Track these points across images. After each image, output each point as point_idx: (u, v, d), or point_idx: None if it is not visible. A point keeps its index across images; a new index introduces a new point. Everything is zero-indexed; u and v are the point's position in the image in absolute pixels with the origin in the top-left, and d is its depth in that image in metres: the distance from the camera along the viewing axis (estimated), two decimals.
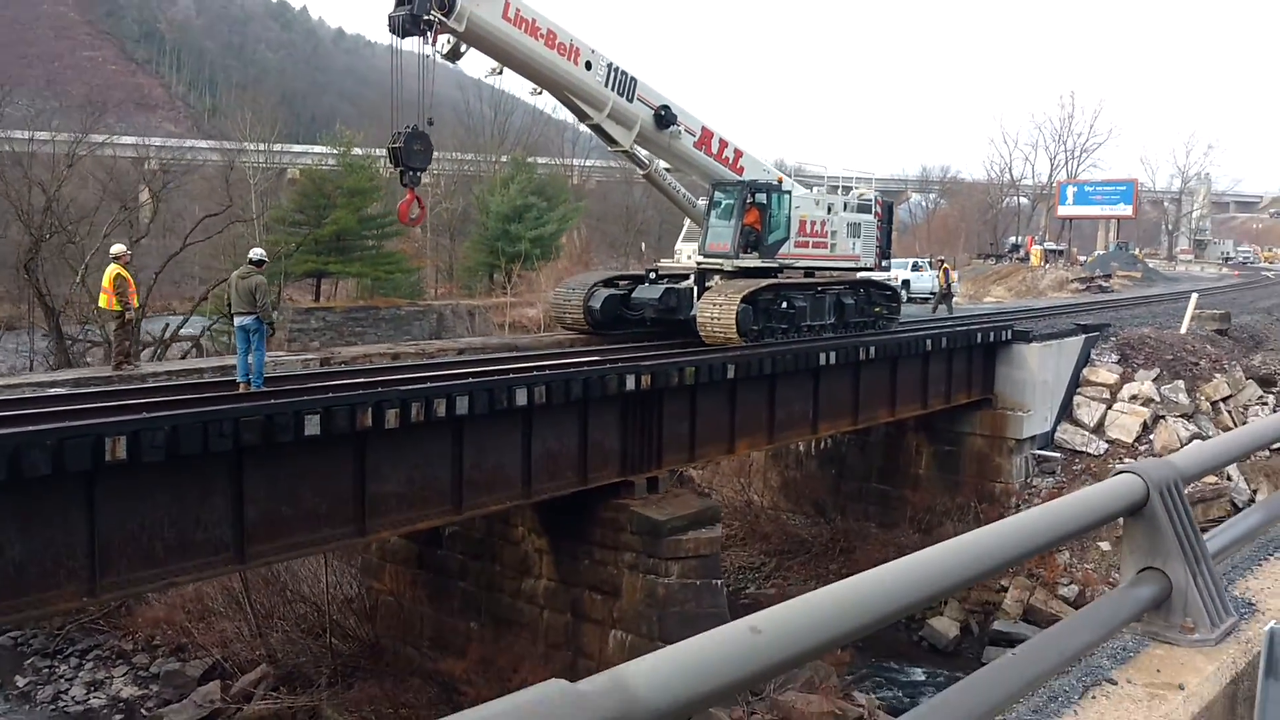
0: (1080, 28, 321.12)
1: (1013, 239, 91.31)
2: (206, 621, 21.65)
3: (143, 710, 20.07)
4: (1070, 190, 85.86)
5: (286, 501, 12.57)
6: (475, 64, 21.18)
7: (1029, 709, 3.19)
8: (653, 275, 24.93)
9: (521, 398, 14.62)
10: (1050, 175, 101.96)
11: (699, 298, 22.25)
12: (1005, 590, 24.19)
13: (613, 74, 21.41)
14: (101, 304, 15.93)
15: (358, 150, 52.84)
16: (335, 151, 53.86)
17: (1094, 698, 3.31)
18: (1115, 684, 3.38)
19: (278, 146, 54.24)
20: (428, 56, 19.26)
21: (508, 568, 18.34)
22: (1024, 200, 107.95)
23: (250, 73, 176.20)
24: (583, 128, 24.17)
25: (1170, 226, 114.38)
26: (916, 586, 2.58)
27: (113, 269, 15.11)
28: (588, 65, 21.03)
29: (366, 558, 20.58)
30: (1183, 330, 30.18)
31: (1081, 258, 79.87)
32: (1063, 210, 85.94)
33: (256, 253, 13.90)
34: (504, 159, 71.17)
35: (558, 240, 67.07)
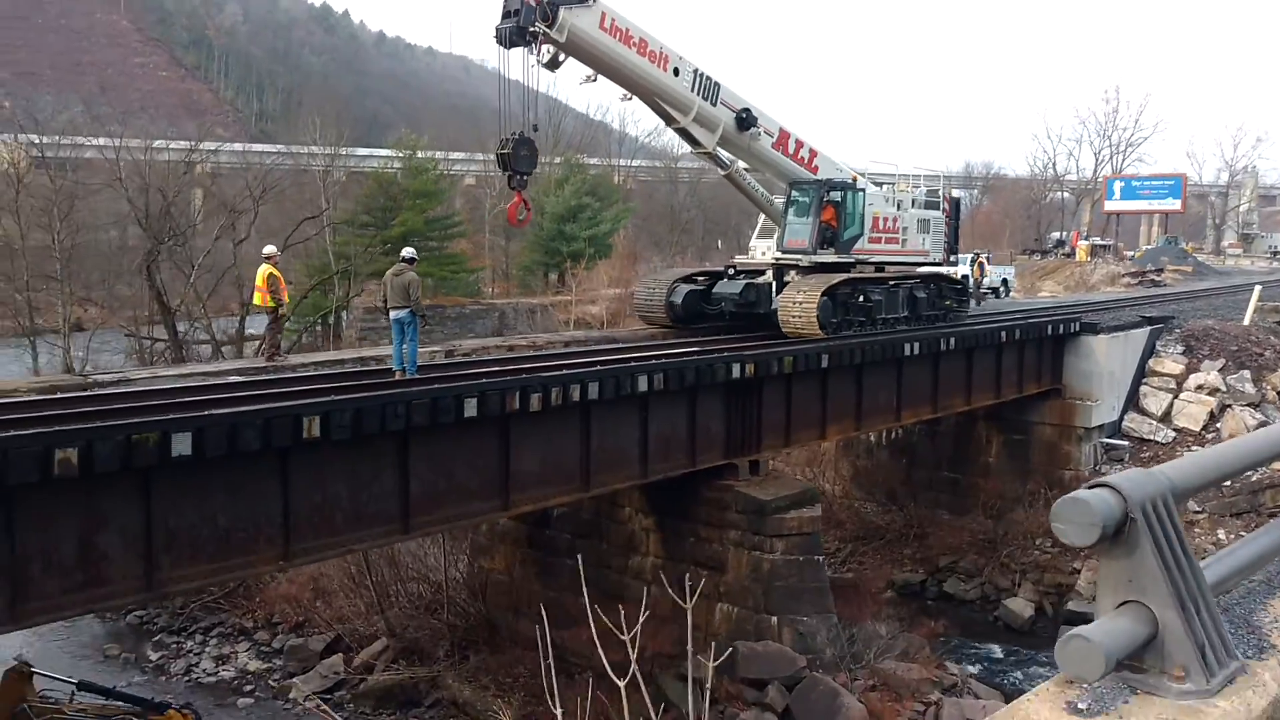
0: (1125, 21, 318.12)
1: (1056, 234, 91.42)
2: (324, 600, 23.05)
3: (270, 681, 21.47)
4: (1118, 185, 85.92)
5: (444, 477, 13.84)
6: (569, 72, 22.41)
7: None
8: (731, 271, 25.94)
9: (642, 384, 15.81)
10: (1095, 170, 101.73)
11: (778, 292, 23.28)
12: (1078, 573, 25.08)
13: (698, 79, 22.47)
14: (256, 301, 17.29)
15: (422, 153, 54.45)
16: (400, 154, 55.49)
17: None
18: None
19: (344, 150, 55.73)
20: (532, 66, 20.40)
21: (615, 546, 19.53)
22: (1067, 195, 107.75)
23: (295, 77, 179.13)
24: (668, 132, 25.23)
25: (1217, 220, 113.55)
26: None
27: (265, 268, 16.48)
28: (675, 71, 22.09)
29: (476, 538, 21.83)
30: (1245, 322, 30.89)
31: (1129, 253, 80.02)
32: (1110, 205, 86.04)
33: (408, 251, 15.19)
34: (557, 160, 72.51)
35: (610, 239, 68.28)
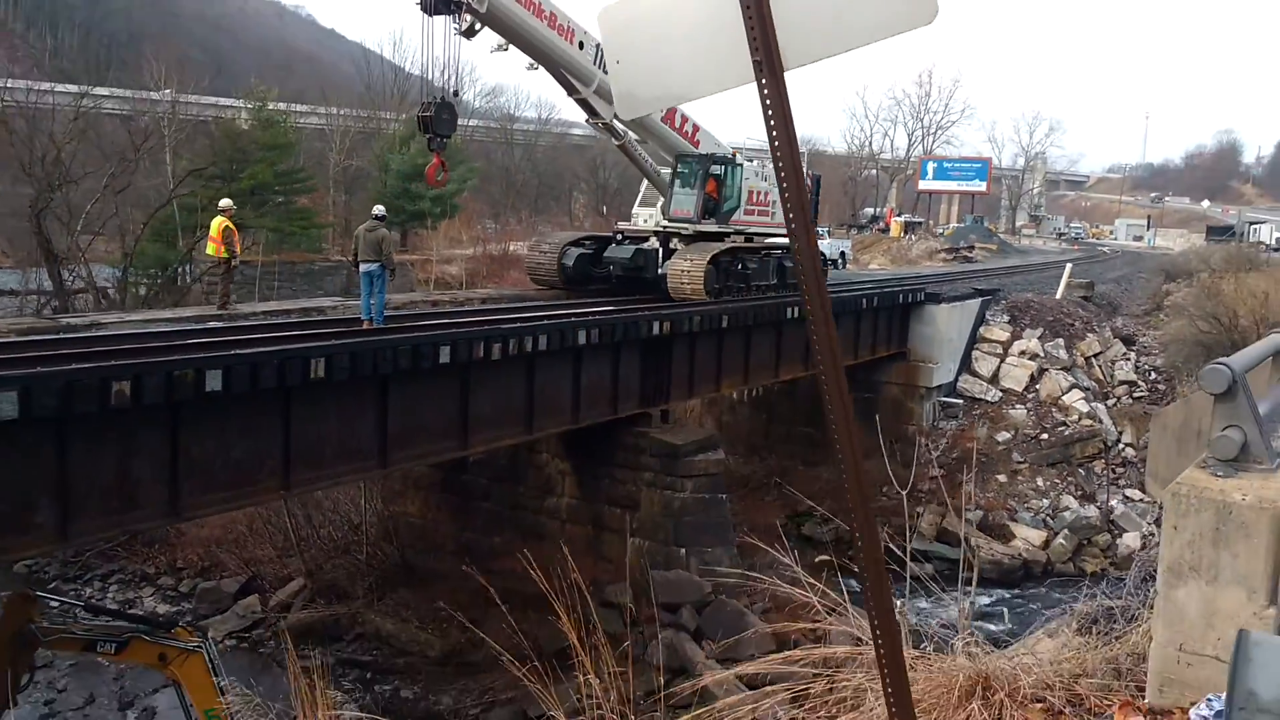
0: (942, 6, 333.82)
1: (870, 210, 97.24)
2: (231, 546, 23.64)
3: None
4: (930, 166, 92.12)
5: (415, 418, 15.13)
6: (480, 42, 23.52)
7: None
8: (619, 237, 27.70)
9: (581, 338, 17.46)
10: (908, 150, 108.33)
11: (664, 259, 25.22)
12: (920, 515, 28.23)
13: (600, 53, 24.00)
14: (210, 251, 17.92)
15: (274, 105, 53.50)
16: (250, 105, 54.32)
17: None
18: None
19: (187, 98, 54.12)
20: (455, 34, 21.48)
21: (531, 488, 21.13)
22: (881, 173, 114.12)
23: (95, 14, 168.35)
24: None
25: (1013, 202, 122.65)
26: None
27: (220, 220, 17.17)
28: (580, 45, 23.58)
29: (388, 485, 22.94)
30: (1058, 296, 34.92)
31: (937, 229, 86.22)
32: (923, 185, 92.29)
33: (379, 209, 16.23)
34: (402, 118, 72.02)
35: (456, 199, 68.45)
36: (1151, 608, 4.40)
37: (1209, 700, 3.56)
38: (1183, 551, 3.83)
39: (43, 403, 10.21)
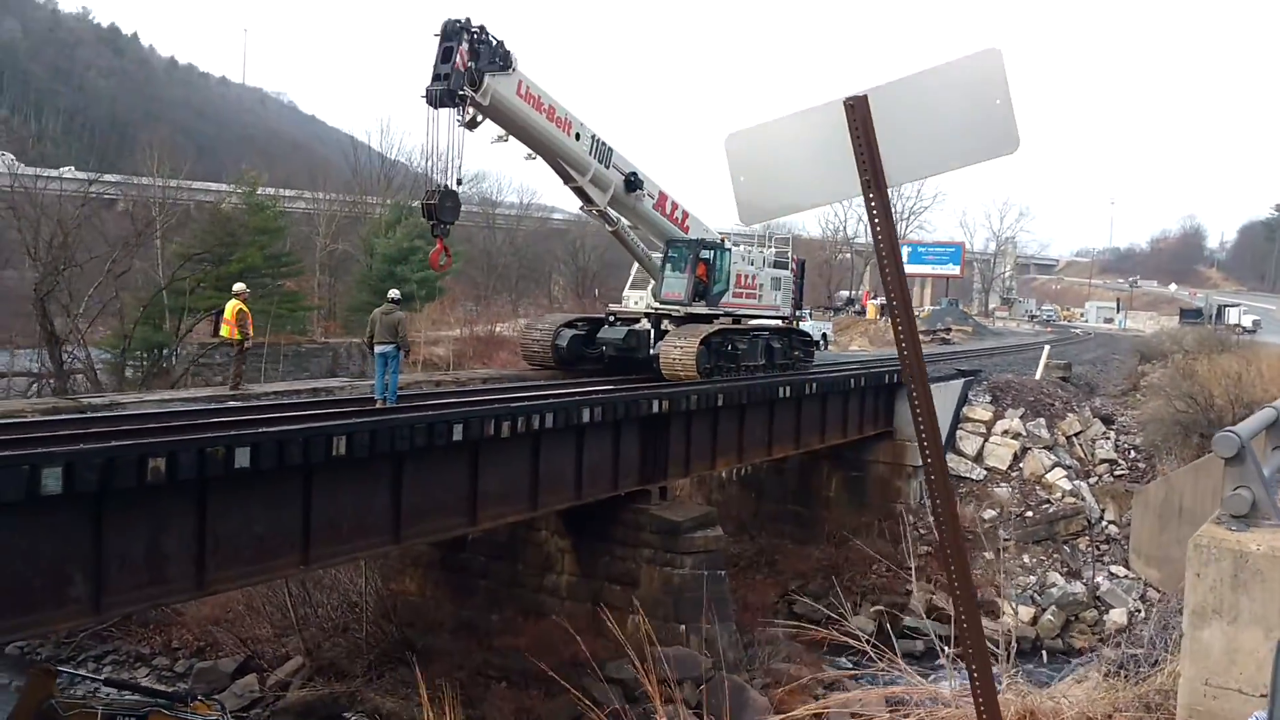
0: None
1: (845, 293, 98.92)
2: (226, 625, 23.66)
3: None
4: (905, 250, 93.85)
5: (427, 495, 15.53)
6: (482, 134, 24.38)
7: None
8: (611, 319, 28.38)
9: (585, 415, 17.97)
10: None
11: (656, 339, 25.89)
12: (910, 594, 28.56)
13: (595, 144, 24.96)
14: (224, 334, 18.40)
15: (264, 190, 54.42)
16: (239, 190, 55.23)
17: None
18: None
19: (177, 183, 54.91)
20: (459, 126, 22.33)
21: (530, 566, 21.40)
22: (855, 256, 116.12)
23: (79, 100, 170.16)
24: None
25: (986, 285, 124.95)
26: None
27: (234, 303, 17.70)
28: (577, 136, 24.52)
29: (387, 562, 23.14)
30: (1037, 376, 35.77)
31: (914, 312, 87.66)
32: None
33: (394, 293, 16.83)
34: (388, 203, 73.16)
35: (440, 282, 69.18)
36: (1176, 649, 4.88)
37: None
38: (1206, 596, 4.34)
39: (85, 478, 10.58)
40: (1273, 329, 73.98)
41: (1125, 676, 5.09)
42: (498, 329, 58.41)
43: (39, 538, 10.79)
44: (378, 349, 15.99)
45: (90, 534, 11.23)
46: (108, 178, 47.90)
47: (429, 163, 21.59)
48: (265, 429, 12.88)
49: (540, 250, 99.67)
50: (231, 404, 15.91)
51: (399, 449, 14.33)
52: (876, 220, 3.09)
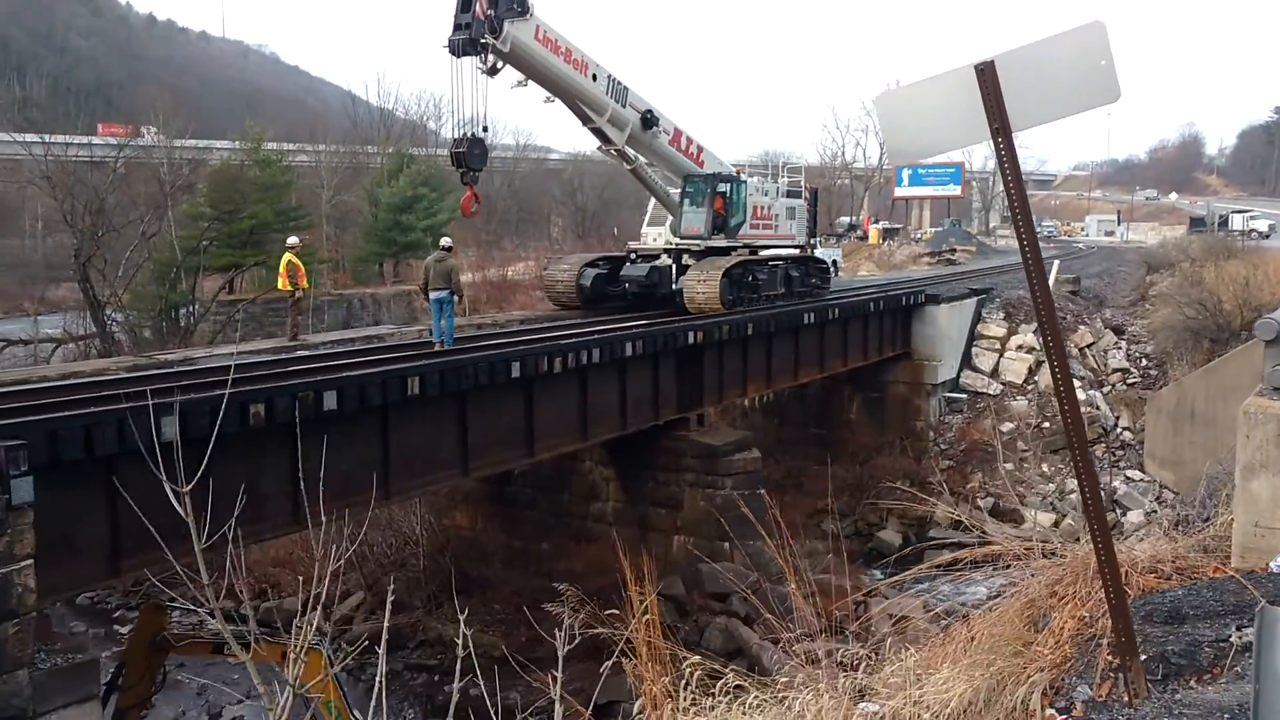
0: (905, 14, 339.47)
1: (846, 219, 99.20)
2: (286, 568, 24.78)
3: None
4: (905, 173, 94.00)
5: (489, 429, 16.50)
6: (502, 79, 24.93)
7: None
8: (633, 256, 29.10)
9: (628, 349, 18.87)
10: (880, 159, 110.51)
11: (678, 274, 26.66)
12: (935, 507, 29.68)
13: (611, 84, 25.51)
14: (279, 286, 19.22)
15: (268, 146, 54.74)
16: (245, 146, 55.52)
17: None
18: None
19: (184, 142, 55.28)
20: (480, 74, 22.89)
21: (577, 495, 22.46)
22: (854, 182, 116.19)
23: (61, 62, 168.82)
24: (584, 132, 28.11)
25: (986, 204, 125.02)
26: None
27: (287, 257, 18.53)
28: (594, 77, 25.06)
29: (437, 500, 24.20)
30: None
31: (915, 235, 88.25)
32: (899, 191, 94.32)
33: (446, 240, 17.63)
34: (388, 152, 73.33)
35: (447, 228, 69.56)
36: (1225, 506, 5.82)
37: None
38: (1254, 454, 5.26)
39: (198, 424, 11.50)
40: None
41: (1183, 531, 6.02)
42: (509, 273, 59.12)
43: (157, 481, 11.72)
44: (432, 295, 16.83)
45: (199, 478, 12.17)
46: (138, 142, 48.15)
47: (454, 112, 22.09)
48: (346, 374, 13.77)
49: (537, 192, 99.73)
50: (300, 353, 16.82)
51: (464, 387, 15.25)
52: (1005, 163, 3.93)
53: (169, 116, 56.01)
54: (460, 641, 5.18)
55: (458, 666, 4.92)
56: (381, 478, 14.57)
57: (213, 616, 14.91)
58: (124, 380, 14.16)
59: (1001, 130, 3.89)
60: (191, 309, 48.04)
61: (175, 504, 4.45)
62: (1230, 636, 4.68)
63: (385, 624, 5.50)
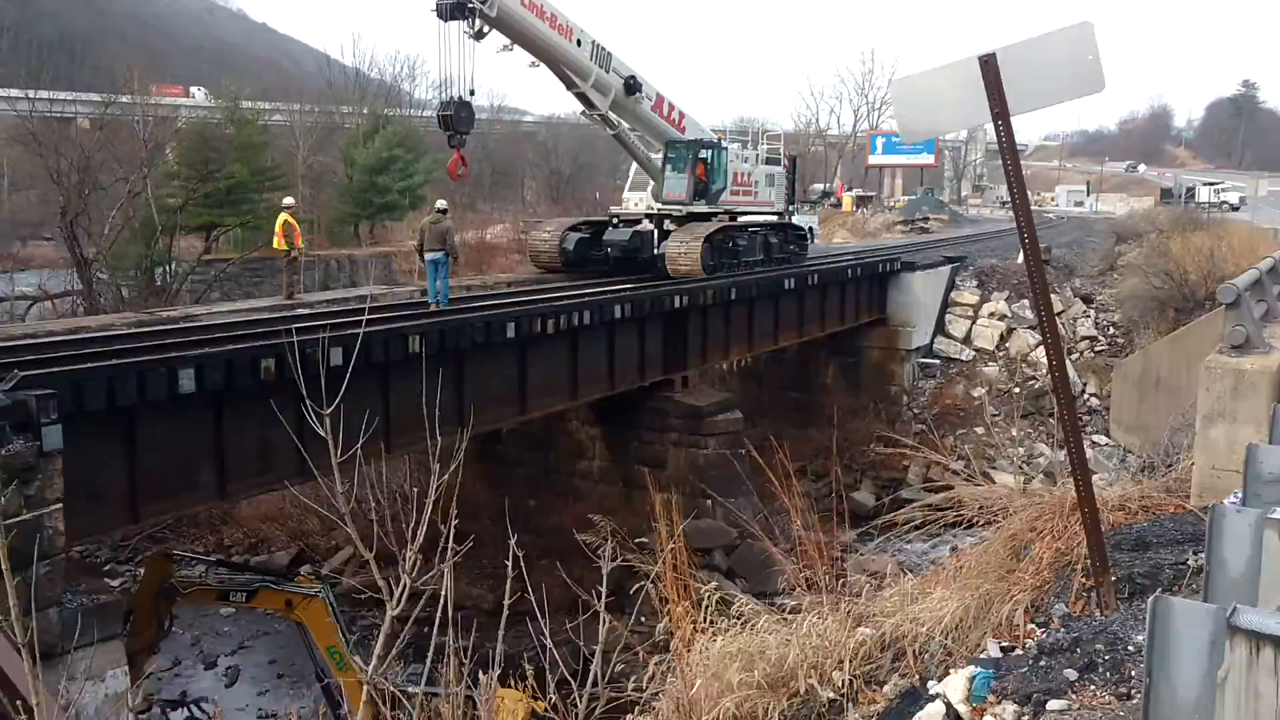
0: None
1: (819, 186, 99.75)
2: (275, 523, 25.29)
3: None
4: (879, 141, 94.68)
5: (483, 388, 17.04)
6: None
7: None
8: (615, 221, 29.52)
9: (616, 312, 19.43)
10: (854, 126, 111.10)
11: (660, 239, 27.15)
12: (908, 468, 30.57)
13: (595, 49, 25.86)
14: (275, 245, 19.59)
15: (246, 103, 54.43)
16: (220, 104, 55.22)
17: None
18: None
19: (157, 99, 54.83)
20: (467, 38, 23.17)
21: (564, 454, 23.07)
22: (827, 149, 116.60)
23: (25, 15, 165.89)
24: (559, 95, 28.43)
25: (958, 173, 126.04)
26: None
27: (283, 216, 18.90)
28: (578, 42, 25.39)
29: (424, 458, 24.69)
30: (1019, 260, 37.40)
31: (889, 203, 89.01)
32: (873, 160, 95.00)
33: (441, 203, 18.08)
34: (364, 113, 72.97)
35: (422, 189, 69.39)
36: (1187, 453, 6.49)
37: (1234, 494, 5.66)
38: (1213, 404, 5.92)
39: (212, 378, 12.00)
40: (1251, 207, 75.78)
41: (1148, 475, 6.70)
42: (487, 236, 59.25)
43: (174, 432, 12.24)
44: (428, 256, 17.28)
45: (212, 429, 12.69)
46: (123, 99, 47.73)
47: (442, 76, 22.41)
48: (353, 330, 14.24)
49: (512, 154, 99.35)
50: (300, 311, 17.24)
51: (462, 346, 15.76)
52: (1004, 143, 4.52)
53: (142, 74, 55.37)
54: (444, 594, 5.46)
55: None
56: (383, 433, 15.08)
57: (224, 566, 15.37)
58: (135, 335, 14.58)
59: (1001, 115, 4.47)
60: (168, 268, 47.94)
61: (315, 426, 4.89)
62: (1188, 560, 5.35)
63: (408, 565, 5.85)
